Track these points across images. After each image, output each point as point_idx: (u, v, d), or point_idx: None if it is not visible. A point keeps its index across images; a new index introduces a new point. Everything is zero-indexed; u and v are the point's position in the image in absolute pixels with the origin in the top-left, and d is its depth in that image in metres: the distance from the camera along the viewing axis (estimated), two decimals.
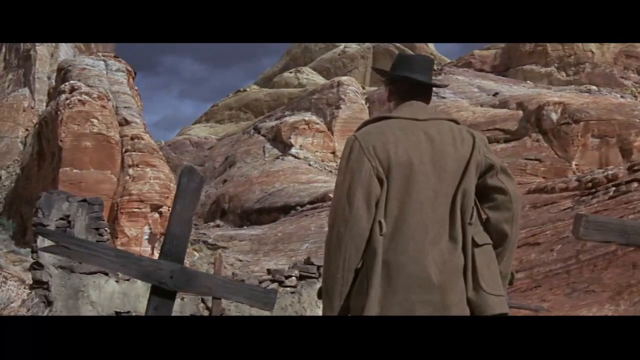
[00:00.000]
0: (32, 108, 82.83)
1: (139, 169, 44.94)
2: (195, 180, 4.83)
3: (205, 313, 14.80)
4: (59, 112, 46.74)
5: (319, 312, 14.50)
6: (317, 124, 76.53)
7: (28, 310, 12.82)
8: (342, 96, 79.40)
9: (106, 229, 14.41)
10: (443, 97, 71.98)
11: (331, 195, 4.60)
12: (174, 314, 4.79)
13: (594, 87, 71.78)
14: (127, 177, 44.56)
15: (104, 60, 57.41)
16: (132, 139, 46.80)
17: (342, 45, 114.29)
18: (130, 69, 58.17)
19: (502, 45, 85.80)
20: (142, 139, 47.29)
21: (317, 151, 73.22)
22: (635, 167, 33.65)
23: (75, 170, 44.57)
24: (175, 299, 4.87)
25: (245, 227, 60.39)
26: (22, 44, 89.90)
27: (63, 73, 55.61)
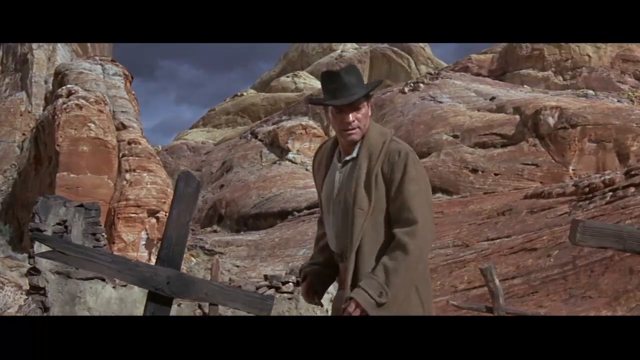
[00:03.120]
0: (29, 112, 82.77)
1: (136, 173, 44.88)
2: (192, 185, 4.82)
3: None
4: (55, 117, 46.68)
5: None
6: (315, 128, 76.60)
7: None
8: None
9: (103, 234, 14.38)
10: (440, 102, 71.96)
11: None
12: None
13: (590, 92, 71.81)
14: (124, 182, 44.52)
15: (101, 65, 57.38)
16: (129, 143, 46.76)
17: (339, 50, 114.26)
18: (127, 73, 58.14)
19: (499, 49, 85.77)
20: (139, 143, 47.24)
21: None
22: (633, 172, 33.66)
23: (72, 175, 44.52)
24: (172, 305, 4.87)
25: (242, 233, 60.41)
26: (19, 47, 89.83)
27: (60, 77, 55.56)
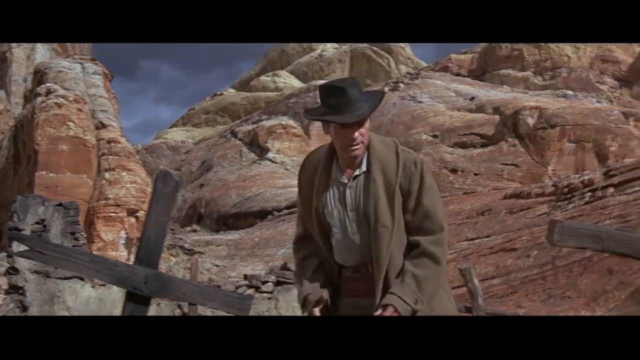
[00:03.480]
0: (8, 111, 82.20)
1: (115, 172, 44.70)
2: (170, 185, 4.80)
3: None
4: (34, 115, 46.42)
5: None
6: (294, 128, 76.51)
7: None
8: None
9: (82, 233, 14.33)
10: (420, 102, 72.11)
11: None
12: None
13: (570, 92, 72.11)
14: (104, 181, 44.32)
15: (80, 63, 57.10)
16: (108, 142, 46.55)
17: (319, 49, 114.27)
18: (107, 72, 57.91)
19: (479, 49, 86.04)
20: (119, 142, 47.04)
21: (294, 155, 73.07)
22: (611, 172, 33.80)
23: (51, 174, 44.27)
24: (151, 304, 4.85)
25: (221, 232, 60.28)
26: None
27: (39, 75, 55.28)
